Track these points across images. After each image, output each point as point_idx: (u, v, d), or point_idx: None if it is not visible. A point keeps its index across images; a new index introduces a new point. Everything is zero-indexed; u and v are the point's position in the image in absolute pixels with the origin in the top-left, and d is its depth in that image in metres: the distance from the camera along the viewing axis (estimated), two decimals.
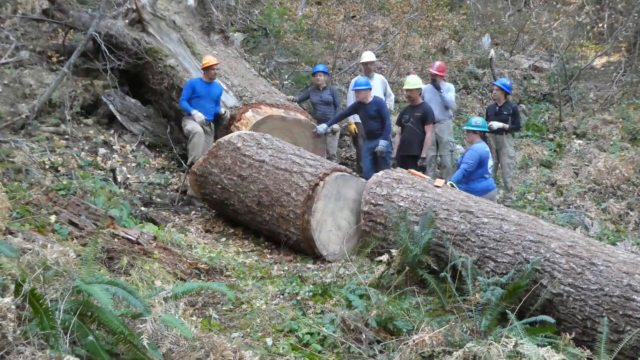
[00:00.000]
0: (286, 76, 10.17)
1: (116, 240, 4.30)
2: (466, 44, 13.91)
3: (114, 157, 7.05)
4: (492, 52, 11.29)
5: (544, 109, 11.53)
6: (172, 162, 7.56)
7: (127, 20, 8.05)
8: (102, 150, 7.07)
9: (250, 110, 7.24)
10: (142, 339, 2.48)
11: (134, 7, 7.91)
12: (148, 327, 2.52)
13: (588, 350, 3.43)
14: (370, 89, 7.13)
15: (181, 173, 7.19)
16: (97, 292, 2.51)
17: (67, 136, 6.90)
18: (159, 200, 6.58)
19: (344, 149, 9.20)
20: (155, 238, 4.74)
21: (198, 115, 6.98)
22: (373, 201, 5.22)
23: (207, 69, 7.08)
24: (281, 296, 4.28)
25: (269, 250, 5.64)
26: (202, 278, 4.45)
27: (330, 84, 8.94)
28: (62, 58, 7.84)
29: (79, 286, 2.59)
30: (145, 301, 2.74)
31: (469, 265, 4.09)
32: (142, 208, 6.06)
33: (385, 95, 7.89)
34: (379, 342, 3.57)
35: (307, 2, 13.62)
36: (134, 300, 2.67)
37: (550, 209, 7.82)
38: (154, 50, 7.79)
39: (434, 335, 3.35)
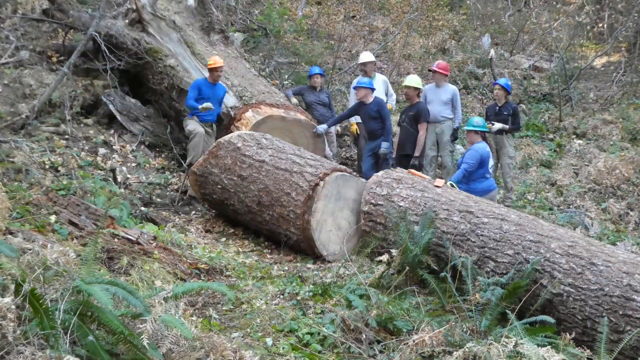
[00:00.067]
0: (286, 76, 10.16)
1: (116, 240, 4.30)
2: (466, 44, 13.89)
3: (114, 157, 7.05)
4: (492, 52, 11.28)
5: (544, 109, 11.52)
6: (172, 162, 7.56)
7: (127, 20, 8.04)
8: (102, 150, 7.07)
9: (250, 110, 7.23)
10: (142, 339, 2.48)
11: (134, 7, 7.91)
12: (148, 327, 2.52)
13: (588, 350, 3.43)
14: (373, 89, 7.08)
15: (181, 173, 7.19)
16: (97, 292, 2.52)
17: (67, 136, 6.90)
18: (159, 200, 6.58)
19: (344, 149, 9.20)
20: (155, 238, 4.74)
21: (208, 104, 6.85)
22: (373, 201, 5.22)
23: (212, 70, 7.02)
24: (281, 296, 4.28)
25: (269, 250, 5.64)
26: (202, 278, 4.45)
27: (331, 84, 8.94)
28: (62, 58, 7.84)
29: (79, 286, 2.59)
30: (145, 301, 2.74)
31: (469, 265, 4.09)
32: (142, 208, 6.07)
33: (387, 95, 7.88)
34: (379, 342, 3.57)
35: (307, 2, 13.61)
36: (134, 300, 2.67)
37: (550, 209, 7.81)
38: (154, 50, 7.78)
39: (434, 335, 3.35)
